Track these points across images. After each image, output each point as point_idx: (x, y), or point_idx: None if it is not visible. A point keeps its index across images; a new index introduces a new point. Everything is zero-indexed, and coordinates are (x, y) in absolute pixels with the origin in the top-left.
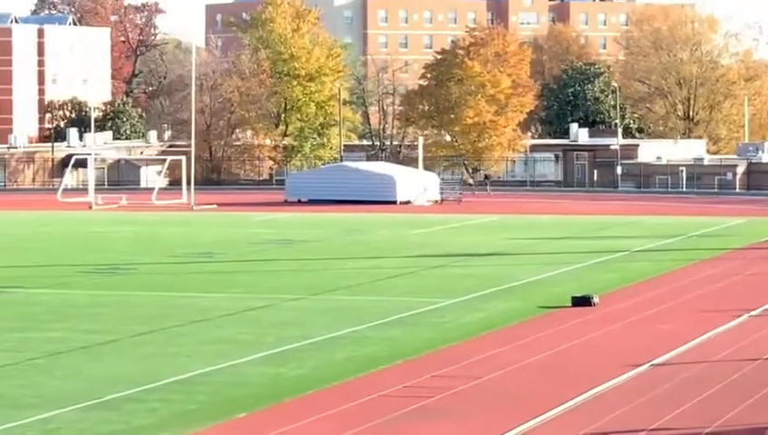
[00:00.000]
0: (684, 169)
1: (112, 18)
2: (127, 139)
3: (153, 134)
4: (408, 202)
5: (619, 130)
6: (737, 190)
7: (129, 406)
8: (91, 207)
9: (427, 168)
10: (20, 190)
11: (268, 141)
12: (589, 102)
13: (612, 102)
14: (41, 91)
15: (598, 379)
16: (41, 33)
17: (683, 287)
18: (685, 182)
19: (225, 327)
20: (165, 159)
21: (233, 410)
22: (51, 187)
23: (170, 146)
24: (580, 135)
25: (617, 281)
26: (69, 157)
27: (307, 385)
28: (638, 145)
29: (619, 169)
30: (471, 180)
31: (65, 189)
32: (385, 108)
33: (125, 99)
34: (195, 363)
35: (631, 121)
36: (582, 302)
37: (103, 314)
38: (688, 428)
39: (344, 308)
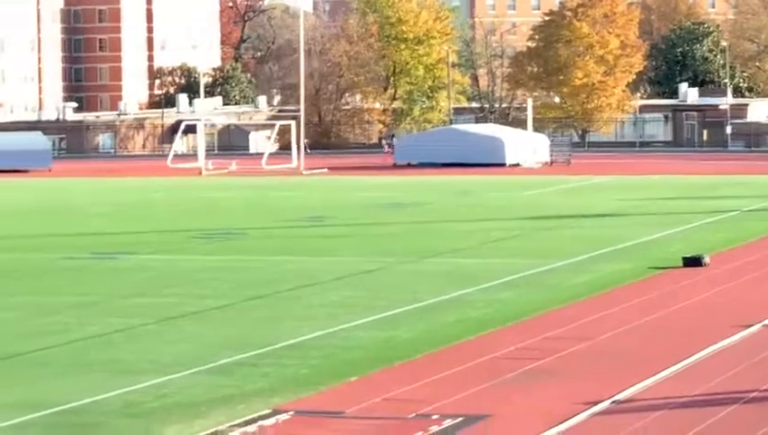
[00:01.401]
0: None
1: None
2: (236, 104)
3: (262, 99)
4: (517, 164)
5: (729, 90)
6: None
7: (242, 371)
8: (200, 173)
9: (536, 129)
10: (130, 157)
11: (377, 105)
12: (697, 62)
13: (721, 62)
14: (150, 58)
15: (709, 339)
16: (149, 0)
17: None
18: None
19: (337, 291)
20: (274, 124)
21: (345, 373)
22: (161, 153)
23: (279, 111)
24: (690, 95)
25: (727, 241)
26: (179, 123)
27: (418, 348)
28: (747, 104)
29: (728, 129)
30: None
31: (175, 155)
32: (493, 70)
33: (234, 64)
34: (306, 327)
35: (741, 81)
36: (693, 262)
37: (215, 279)
38: None
39: (454, 271)
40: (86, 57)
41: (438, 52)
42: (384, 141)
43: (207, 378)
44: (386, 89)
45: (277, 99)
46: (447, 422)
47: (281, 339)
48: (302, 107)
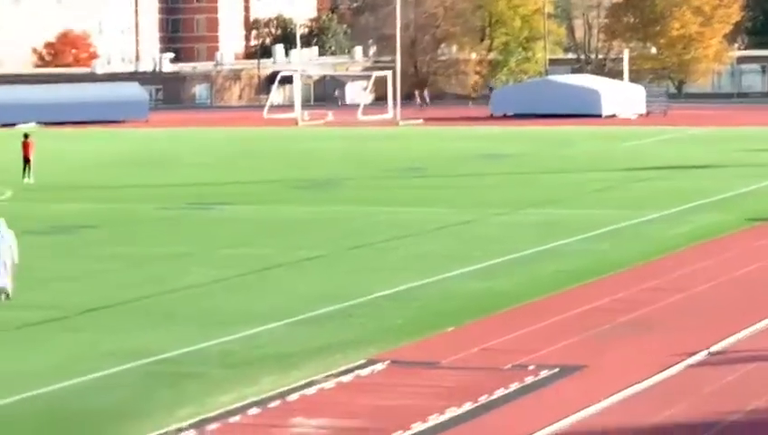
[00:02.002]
0: None
1: None
2: (332, 55)
3: (358, 50)
4: (613, 115)
5: None
6: None
7: (337, 321)
8: (297, 124)
9: (632, 80)
10: (227, 108)
11: (473, 56)
12: None
13: None
14: (246, 9)
15: None
16: None
17: None
18: None
19: (433, 241)
20: (370, 75)
21: (440, 324)
22: (257, 104)
23: (375, 62)
24: None
25: None
26: (275, 74)
27: (515, 299)
28: None
29: None
30: None
31: (271, 106)
32: (589, 21)
33: (330, 15)
34: (402, 278)
35: None
36: None
37: (311, 230)
38: None
39: (551, 222)
40: (183, 8)
41: (535, 2)
42: (417, 93)
43: (303, 329)
44: (482, 39)
45: (373, 50)
46: (543, 373)
47: (376, 289)
48: (398, 58)
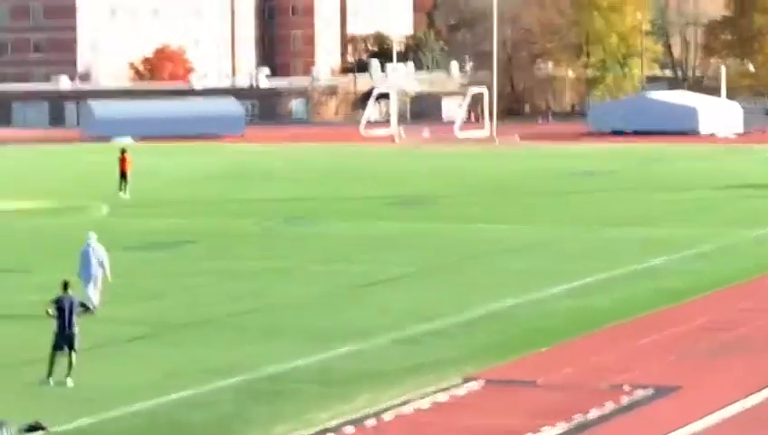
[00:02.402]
0: None
1: None
2: (428, 71)
3: (455, 66)
4: (711, 133)
5: None
6: None
7: (433, 339)
8: (393, 140)
9: (730, 98)
10: (323, 123)
11: (570, 73)
12: None
13: None
14: (343, 25)
15: None
16: None
17: None
18: None
19: (528, 258)
20: (466, 92)
21: (536, 342)
22: (353, 120)
23: (472, 78)
24: None
25: None
26: (371, 90)
27: (611, 317)
28: None
29: None
30: None
31: (368, 122)
32: (687, 38)
33: (427, 31)
34: (499, 295)
35: None
36: None
37: (407, 246)
38: None
39: (648, 239)
40: (279, 23)
41: (632, 19)
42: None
43: (398, 346)
44: (578, 56)
45: (469, 66)
46: (638, 393)
47: (472, 307)
48: (494, 74)
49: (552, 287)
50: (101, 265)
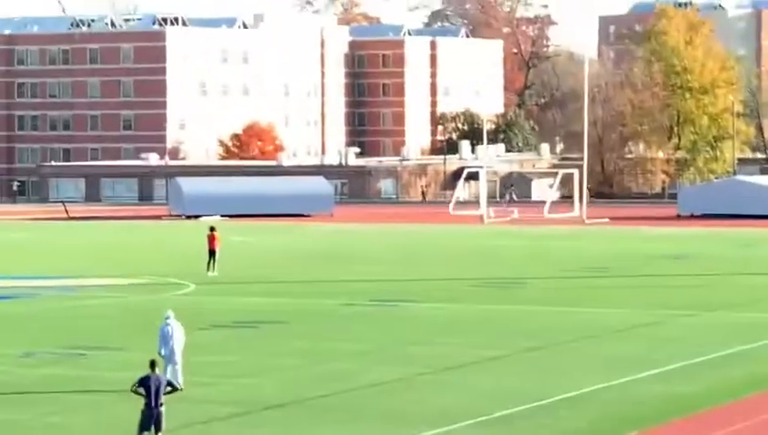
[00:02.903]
0: None
1: (504, 30)
2: (519, 151)
3: (545, 147)
4: None
5: None
6: None
7: (519, 423)
8: (482, 221)
9: None
10: (412, 202)
11: (660, 154)
12: None
13: None
14: (433, 103)
15: None
16: (433, 46)
17: None
18: None
19: (616, 343)
20: (557, 172)
21: (623, 428)
22: (442, 199)
23: (562, 159)
24: None
25: None
26: (461, 169)
27: (700, 404)
28: None
29: None
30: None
31: (457, 202)
32: None
33: (517, 111)
34: (584, 380)
35: None
36: None
37: (494, 329)
38: None
39: (739, 324)
40: (369, 102)
41: (724, 101)
42: (506, 192)
43: (483, 430)
44: (669, 138)
45: (560, 147)
46: None
47: (558, 391)
48: (585, 155)
49: (641, 373)
50: (180, 342)
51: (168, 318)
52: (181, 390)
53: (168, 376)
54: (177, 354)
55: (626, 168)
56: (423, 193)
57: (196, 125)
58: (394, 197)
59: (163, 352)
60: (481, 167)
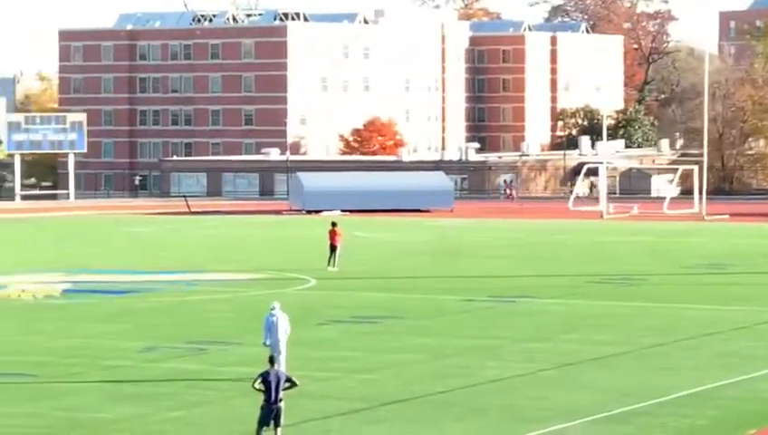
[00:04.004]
0: None
1: (625, 26)
2: (638, 147)
3: (665, 143)
4: None
5: None
6: None
7: (639, 420)
8: (601, 217)
9: None
10: (531, 198)
11: None
12: None
13: None
14: (553, 99)
15: None
16: (553, 41)
17: None
18: None
19: (736, 341)
20: (676, 169)
21: (743, 426)
22: (561, 195)
23: (682, 155)
24: None
25: None
26: (580, 165)
27: None
28: None
29: None
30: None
31: (576, 198)
32: None
33: (637, 107)
34: (705, 377)
35: None
36: None
37: (613, 325)
38: None
39: None
40: (489, 97)
41: None
42: (506, 187)
43: (604, 426)
44: None
45: (680, 142)
46: None
47: (678, 388)
48: (704, 151)
49: (762, 370)
50: (286, 334)
51: (273, 309)
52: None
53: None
54: (282, 345)
55: (746, 164)
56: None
57: (316, 120)
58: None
59: (267, 341)
60: (601, 162)
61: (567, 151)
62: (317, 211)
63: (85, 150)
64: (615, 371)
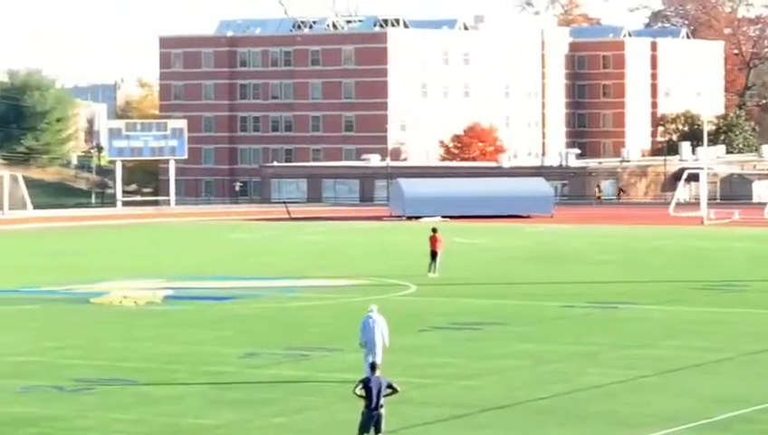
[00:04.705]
0: None
1: (726, 31)
2: (739, 152)
3: (766, 148)
4: None
5: None
6: None
7: (741, 426)
8: (702, 223)
9: None
10: (632, 204)
11: None
12: None
13: None
14: (653, 105)
15: None
16: (653, 47)
17: None
18: None
19: None
20: None
21: None
22: (662, 201)
23: None
24: None
25: None
26: (681, 171)
27: None
28: None
29: None
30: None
31: (677, 204)
32: None
33: (738, 112)
34: None
35: None
36: None
37: (715, 332)
38: None
39: None
40: (589, 103)
41: None
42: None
43: (706, 433)
44: None
45: None
46: None
47: None
48: None
49: None
50: (383, 335)
51: (370, 311)
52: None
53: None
54: (378, 347)
55: None
56: (619, 193)
57: (417, 126)
58: (614, 198)
59: (363, 342)
60: (701, 168)
61: (667, 157)
62: (417, 217)
63: (186, 157)
64: (717, 377)
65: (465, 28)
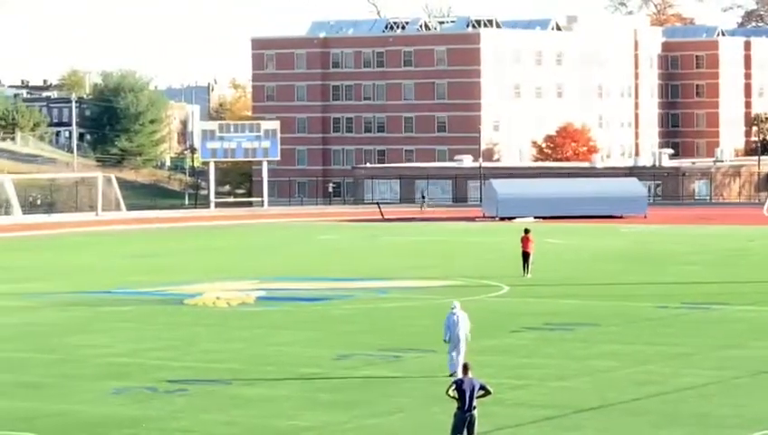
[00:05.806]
0: None
1: None
2: None
3: None
4: None
5: None
6: None
7: None
8: None
9: None
10: (726, 204)
11: None
12: None
13: None
14: (747, 105)
15: None
16: (747, 46)
17: None
18: None
19: None
20: None
21: None
22: (756, 201)
23: None
24: None
25: None
26: None
27: None
28: None
29: None
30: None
31: None
32: None
33: None
34: None
35: None
36: None
37: None
38: None
39: None
40: (683, 103)
41: None
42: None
43: None
44: None
45: None
46: None
47: None
48: None
49: None
50: (465, 332)
51: (453, 308)
52: (494, 394)
53: (451, 362)
54: (462, 342)
55: None
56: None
57: (509, 127)
58: (707, 198)
59: (447, 338)
60: None
61: (761, 157)
62: (510, 218)
63: (279, 158)
64: None
65: (558, 28)
